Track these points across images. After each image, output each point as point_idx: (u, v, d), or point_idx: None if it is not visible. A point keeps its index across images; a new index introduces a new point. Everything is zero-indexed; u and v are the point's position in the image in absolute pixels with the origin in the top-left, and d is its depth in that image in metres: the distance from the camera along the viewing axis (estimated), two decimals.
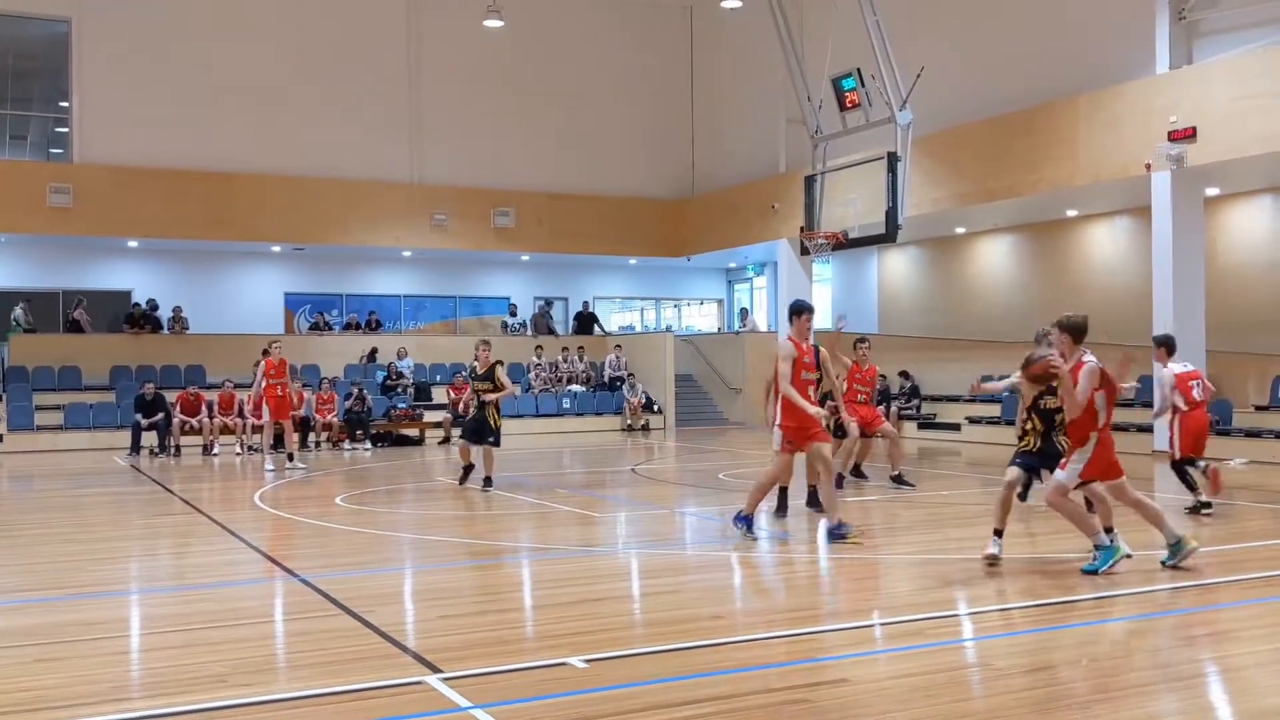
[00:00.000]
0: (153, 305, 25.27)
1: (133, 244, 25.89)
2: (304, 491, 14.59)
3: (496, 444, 13.59)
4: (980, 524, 11.09)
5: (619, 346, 27.99)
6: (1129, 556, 7.83)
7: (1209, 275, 18.42)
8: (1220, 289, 19.00)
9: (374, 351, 26.33)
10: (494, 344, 14.53)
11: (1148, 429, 18.23)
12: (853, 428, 12.82)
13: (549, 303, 30.22)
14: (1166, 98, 17.72)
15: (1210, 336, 18.23)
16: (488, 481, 13.56)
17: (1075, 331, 7.87)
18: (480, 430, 13.52)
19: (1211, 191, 19.16)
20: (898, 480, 13.42)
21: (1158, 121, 17.68)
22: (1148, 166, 17.82)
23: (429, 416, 23.64)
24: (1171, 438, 11.11)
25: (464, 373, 24.94)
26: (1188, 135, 17.23)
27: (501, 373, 13.67)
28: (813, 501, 11.15)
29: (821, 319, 27.74)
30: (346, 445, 21.49)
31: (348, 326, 27.69)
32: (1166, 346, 11.16)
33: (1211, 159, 17.11)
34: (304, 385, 22.10)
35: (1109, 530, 8.03)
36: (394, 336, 27.61)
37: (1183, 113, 17.36)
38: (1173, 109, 17.51)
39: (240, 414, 20.93)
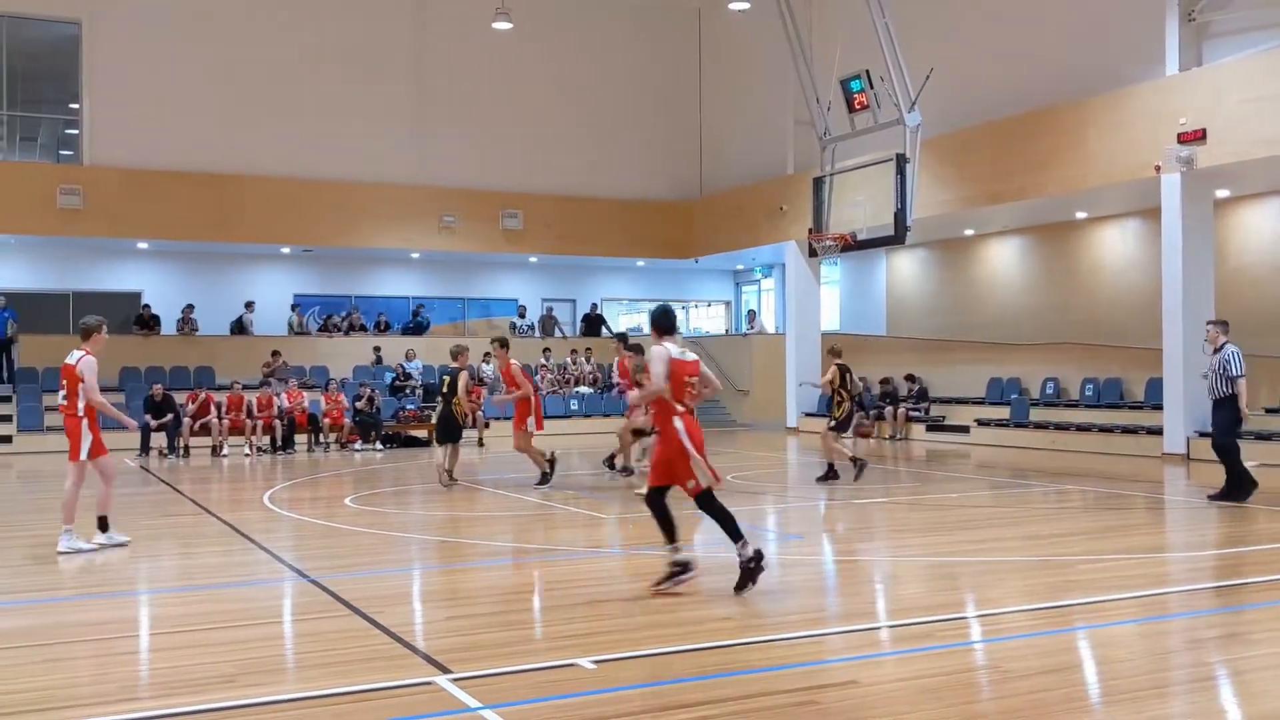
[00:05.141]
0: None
1: (142, 245, 25.96)
2: (313, 493, 14.63)
3: None
4: (990, 526, 11.08)
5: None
6: None
7: (1219, 277, 18.36)
8: (1230, 291, 18.92)
9: (378, 350, 26.46)
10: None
11: (1157, 431, 18.21)
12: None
13: (550, 309, 30.37)
14: (1176, 100, 17.66)
15: None
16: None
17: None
18: None
19: (1221, 193, 19.09)
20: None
21: (1167, 123, 17.63)
22: (1157, 169, 17.77)
23: None
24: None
25: (488, 375, 24.99)
26: (1197, 137, 17.18)
27: None
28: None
29: (830, 321, 27.83)
30: (357, 446, 21.58)
31: (352, 328, 27.70)
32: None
33: (1221, 161, 17.06)
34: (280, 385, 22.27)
35: None
36: (401, 338, 27.61)
37: (1192, 115, 17.32)
38: (1182, 111, 17.46)
39: (249, 414, 21.02)
